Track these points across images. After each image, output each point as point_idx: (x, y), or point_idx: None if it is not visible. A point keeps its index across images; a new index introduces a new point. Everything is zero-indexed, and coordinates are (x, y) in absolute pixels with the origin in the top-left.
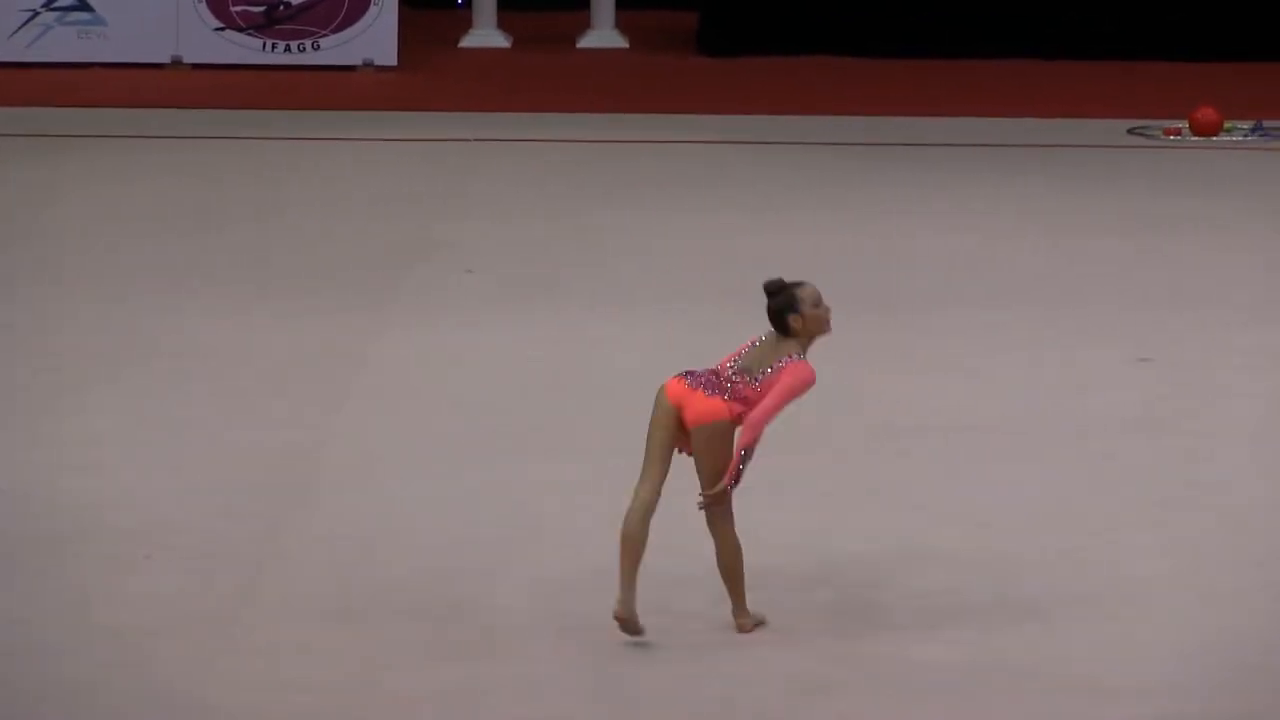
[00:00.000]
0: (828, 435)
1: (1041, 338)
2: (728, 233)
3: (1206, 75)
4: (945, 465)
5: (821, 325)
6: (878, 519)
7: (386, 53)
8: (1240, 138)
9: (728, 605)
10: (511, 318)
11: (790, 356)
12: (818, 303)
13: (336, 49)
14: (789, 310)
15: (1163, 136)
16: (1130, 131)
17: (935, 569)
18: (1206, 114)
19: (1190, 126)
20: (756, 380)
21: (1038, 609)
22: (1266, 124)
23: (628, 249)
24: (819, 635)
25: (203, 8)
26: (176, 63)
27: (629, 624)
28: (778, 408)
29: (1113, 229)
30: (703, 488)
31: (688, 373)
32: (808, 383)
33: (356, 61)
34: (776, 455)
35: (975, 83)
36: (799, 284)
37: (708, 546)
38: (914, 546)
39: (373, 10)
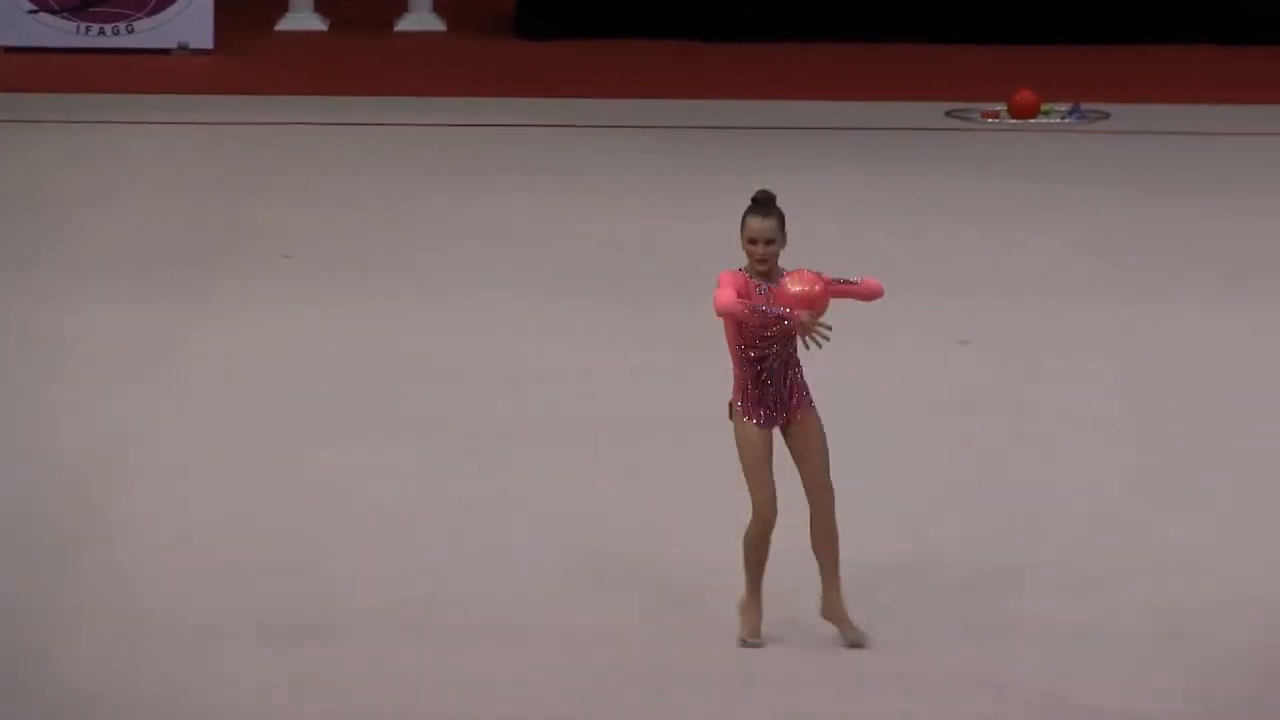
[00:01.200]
0: (654, 422)
1: (863, 322)
2: (550, 216)
3: (1024, 58)
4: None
5: (750, 260)
6: (702, 507)
7: (202, 36)
8: (1058, 120)
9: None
10: (332, 302)
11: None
12: (755, 239)
13: (151, 32)
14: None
15: (981, 119)
16: (949, 114)
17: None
18: (1024, 96)
19: (1008, 109)
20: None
21: (868, 595)
22: (1084, 106)
23: (448, 233)
24: (649, 621)
25: None
26: None
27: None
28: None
29: (931, 212)
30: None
31: None
32: (720, 278)
33: (172, 45)
34: (621, 440)
35: (795, 66)
36: (761, 213)
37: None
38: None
39: None
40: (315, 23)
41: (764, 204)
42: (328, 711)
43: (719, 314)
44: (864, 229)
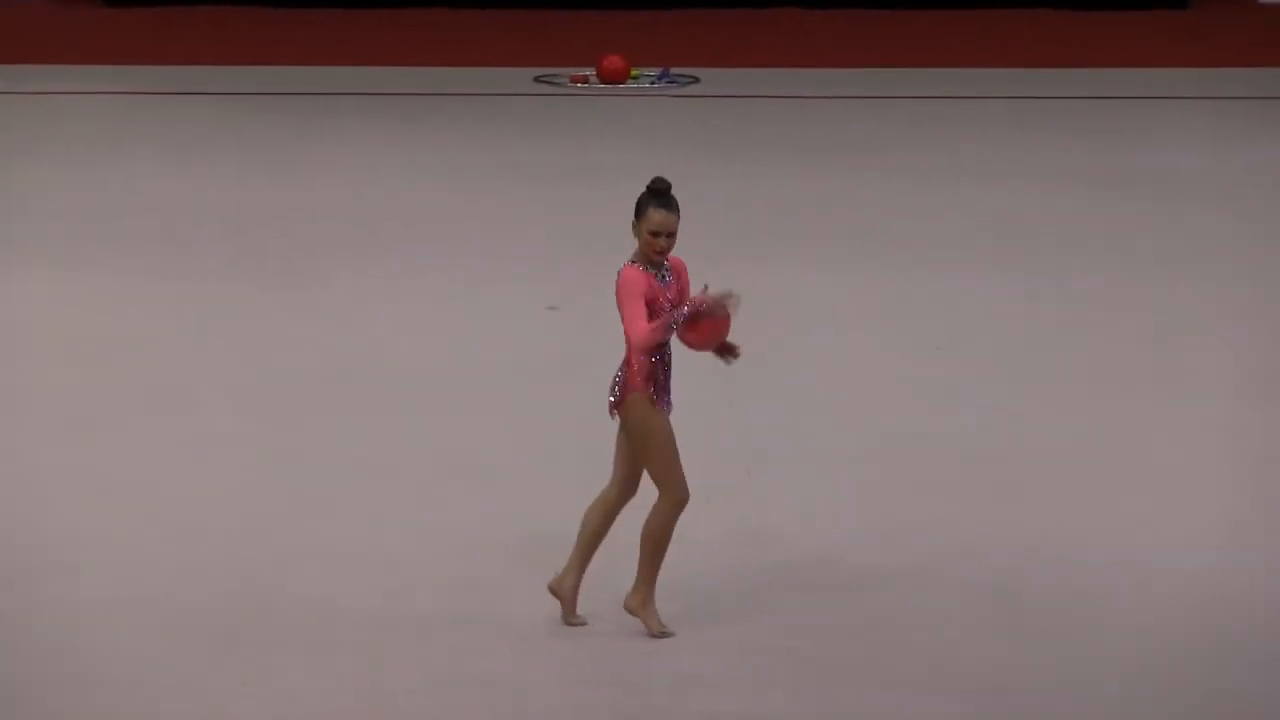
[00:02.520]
0: (223, 396)
1: (449, 288)
2: (142, 186)
3: (614, 22)
4: (365, 417)
5: (647, 250)
6: (278, 479)
7: None
8: (648, 84)
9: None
10: None
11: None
12: (658, 232)
13: None
14: (635, 214)
15: (570, 84)
16: (537, 79)
17: (318, 519)
18: (613, 61)
19: (597, 73)
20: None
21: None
22: (674, 70)
23: (40, 203)
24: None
25: None
26: None
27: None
28: (624, 319)
29: (521, 176)
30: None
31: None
32: (626, 282)
33: None
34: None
35: (381, 31)
36: (665, 205)
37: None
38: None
39: None
40: None
41: (665, 195)
42: None
43: (642, 350)
44: (452, 196)
